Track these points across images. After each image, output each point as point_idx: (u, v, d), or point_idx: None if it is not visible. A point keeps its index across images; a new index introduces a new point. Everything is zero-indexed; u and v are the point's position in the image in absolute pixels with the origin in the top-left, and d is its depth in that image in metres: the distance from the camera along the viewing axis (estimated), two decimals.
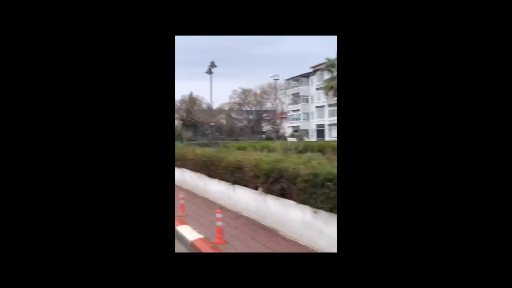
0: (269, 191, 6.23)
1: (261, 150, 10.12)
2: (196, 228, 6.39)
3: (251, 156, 7.54)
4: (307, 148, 10.04)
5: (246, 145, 12.83)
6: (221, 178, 8.32)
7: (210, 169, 8.95)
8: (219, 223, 5.53)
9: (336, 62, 24.08)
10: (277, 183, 5.93)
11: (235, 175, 7.56)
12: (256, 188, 6.72)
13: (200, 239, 5.74)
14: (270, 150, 9.58)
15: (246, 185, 7.14)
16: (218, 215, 5.57)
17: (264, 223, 6.44)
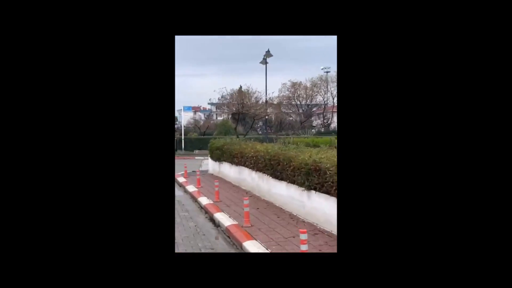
0: None
1: (325, 145, 8.65)
2: (267, 245, 5.10)
3: (332, 155, 6.11)
4: None
5: (319, 141, 11.31)
6: (291, 180, 6.97)
7: (276, 169, 7.63)
8: (304, 247, 4.17)
9: None
10: None
11: (310, 178, 6.17)
12: None
13: None
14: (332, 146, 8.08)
15: (327, 192, 5.73)
16: (303, 236, 4.19)
17: None
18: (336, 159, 5.60)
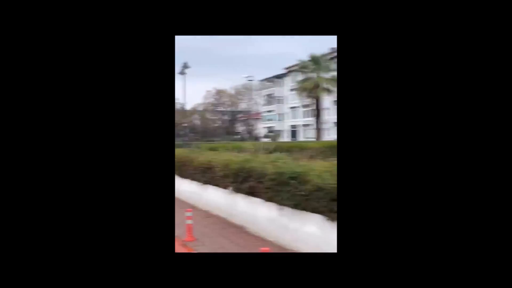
0: (238, 190, 6.48)
1: (233, 150, 10.36)
2: None
3: (222, 156, 7.77)
4: (276, 148, 10.34)
5: (218, 146, 13.01)
6: (193, 178, 8.51)
7: (182, 169, 9.12)
8: (189, 221, 5.73)
9: (307, 64, 24.53)
10: (245, 182, 6.18)
11: (206, 175, 7.77)
12: (226, 188, 6.95)
13: None
14: (241, 150, 9.83)
15: (216, 184, 7.36)
16: (188, 214, 5.77)
17: (233, 221, 6.68)
18: (223, 159, 7.27)
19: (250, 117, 53.55)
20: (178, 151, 10.44)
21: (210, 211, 7.66)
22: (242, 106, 53.84)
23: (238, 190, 6.49)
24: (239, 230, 6.20)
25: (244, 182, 6.22)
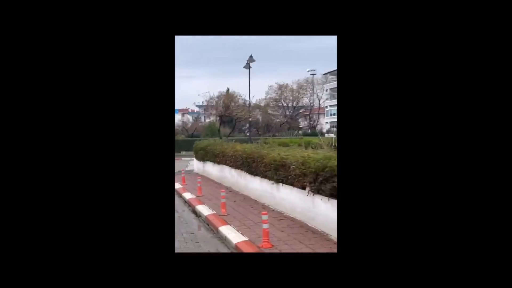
0: (318, 191, 5.73)
1: (305, 146, 9.60)
2: (239, 229, 6.01)
3: (297, 153, 7.06)
4: None
5: (287, 141, 12.32)
6: (264, 176, 7.90)
7: (251, 166, 8.56)
8: (265, 226, 5.10)
9: None
10: (327, 182, 5.42)
11: (279, 172, 7.11)
12: (303, 188, 6.24)
13: (244, 241, 5.35)
14: (315, 146, 9.04)
15: (291, 183, 6.67)
16: (264, 217, 5.13)
17: (312, 226, 5.96)
18: (299, 156, 6.56)
19: (313, 111, 52.35)
20: (246, 147, 9.92)
21: (284, 212, 7.00)
22: (305, 100, 52.73)
23: (317, 191, 5.75)
24: (321, 237, 5.45)
25: (326, 182, 5.46)
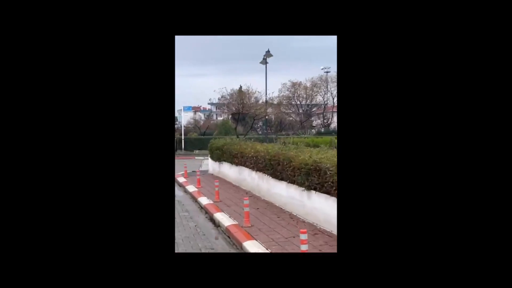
0: None
1: (326, 146, 8.63)
2: (268, 246, 5.10)
3: (332, 155, 6.11)
4: None
5: (319, 141, 11.33)
6: (291, 180, 6.97)
7: (276, 169, 7.63)
8: (304, 247, 4.17)
9: None
10: None
11: (311, 178, 6.17)
12: None
13: None
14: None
15: (327, 192, 5.73)
16: (303, 236, 4.19)
17: None
18: (336, 159, 5.61)
19: (327, 110, 51.27)
20: (269, 147, 8.98)
21: (316, 224, 6.07)
22: (318, 98, 51.60)
23: None
24: None
25: None
